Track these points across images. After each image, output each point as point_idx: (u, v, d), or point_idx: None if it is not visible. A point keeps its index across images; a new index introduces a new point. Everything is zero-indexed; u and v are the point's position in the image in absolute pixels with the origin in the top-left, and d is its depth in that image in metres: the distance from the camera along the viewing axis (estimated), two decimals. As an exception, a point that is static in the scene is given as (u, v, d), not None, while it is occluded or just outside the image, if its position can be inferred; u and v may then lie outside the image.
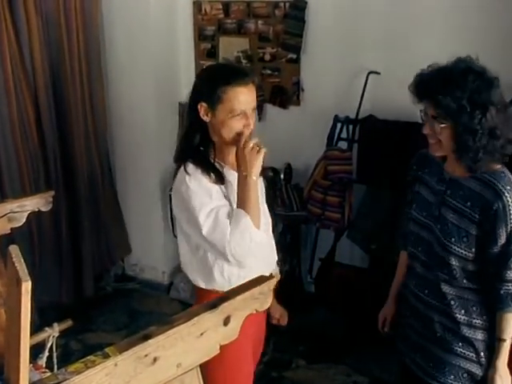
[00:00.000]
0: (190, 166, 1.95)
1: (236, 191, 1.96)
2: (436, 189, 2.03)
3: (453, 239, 1.91)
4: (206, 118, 1.94)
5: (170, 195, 4.11)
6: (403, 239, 2.26)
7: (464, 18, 3.18)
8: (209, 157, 2.00)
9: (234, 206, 1.95)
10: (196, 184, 1.92)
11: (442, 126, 1.88)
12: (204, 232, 1.90)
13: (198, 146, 2.00)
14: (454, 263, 1.92)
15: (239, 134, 1.93)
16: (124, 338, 1.33)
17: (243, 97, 1.90)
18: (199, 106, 1.93)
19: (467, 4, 3.17)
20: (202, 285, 2.07)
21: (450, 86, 1.83)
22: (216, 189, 1.96)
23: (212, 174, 1.95)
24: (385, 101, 3.47)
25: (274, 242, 2.22)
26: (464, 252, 1.90)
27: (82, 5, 3.70)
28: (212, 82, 1.92)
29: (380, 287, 3.40)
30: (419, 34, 3.31)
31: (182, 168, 1.96)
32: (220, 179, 1.97)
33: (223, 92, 1.88)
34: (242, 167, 1.92)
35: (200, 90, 1.96)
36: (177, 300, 4.18)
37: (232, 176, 1.99)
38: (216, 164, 2.01)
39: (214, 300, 1.39)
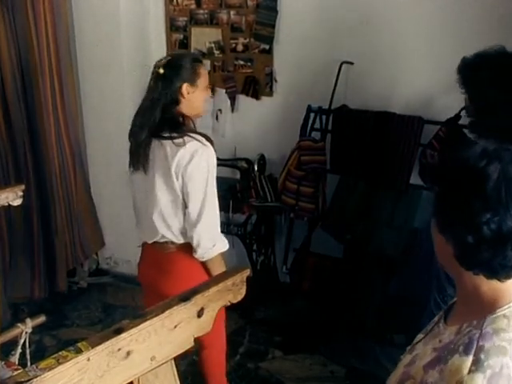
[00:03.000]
0: (199, 137, 2.29)
1: None
2: None
3: None
4: (187, 96, 2.33)
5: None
6: None
7: (438, 4, 3.19)
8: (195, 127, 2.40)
9: None
10: (213, 164, 2.31)
11: None
12: (200, 220, 2.29)
13: (183, 116, 2.36)
14: None
15: (204, 101, 2.45)
16: (99, 332, 1.31)
17: (206, 73, 2.46)
18: (184, 87, 2.32)
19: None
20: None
21: None
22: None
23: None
24: (358, 91, 3.49)
25: None
26: None
27: (49, -6, 3.63)
28: (191, 63, 2.36)
29: (355, 277, 3.44)
30: (393, 23, 3.32)
31: (191, 139, 2.27)
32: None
33: (200, 69, 2.38)
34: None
35: (180, 72, 2.33)
36: (152, 293, 4.16)
37: None
38: None
39: (187, 292, 1.38)
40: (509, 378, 1.03)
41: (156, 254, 2.50)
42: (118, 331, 1.26)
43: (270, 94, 3.80)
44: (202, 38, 3.86)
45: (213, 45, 3.83)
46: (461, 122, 2.96)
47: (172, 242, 2.41)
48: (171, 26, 3.95)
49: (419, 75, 3.31)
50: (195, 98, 2.37)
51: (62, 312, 3.90)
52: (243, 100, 3.86)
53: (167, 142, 2.27)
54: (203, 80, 2.39)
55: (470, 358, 1.06)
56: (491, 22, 3.05)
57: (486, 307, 1.13)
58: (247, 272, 1.54)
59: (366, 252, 3.36)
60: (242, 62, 3.79)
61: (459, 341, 1.11)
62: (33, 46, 3.59)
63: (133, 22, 3.85)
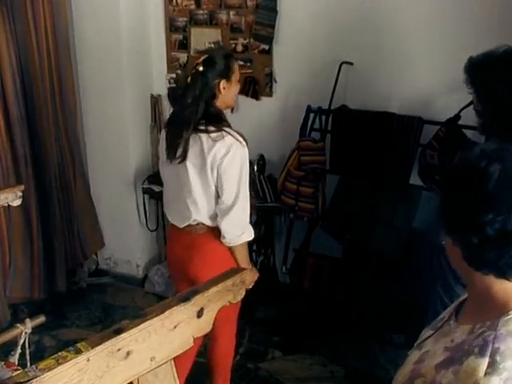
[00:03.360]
0: (234, 133, 2.42)
1: None
2: None
3: None
4: (223, 91, 2.48)
5: (144, 188, 4.14)
6: None
7: (438, 4, 3.19)
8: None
9: None
10: (246, 159, 2.44)
11: None
12: (233, 209, 2.43)
13: (220, 111, 2.50)
14: None
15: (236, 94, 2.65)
16: (99, 333, 1.31)
17: (238, 66, 2.62)
18: (221, 83, 2.46)
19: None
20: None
21: None
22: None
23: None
24: (357, 91, 3.49)
25: None
26: None
27: (49, -6, 3.63)
28: (226, 60, 2.50)
29: (354, 277, 3.43)
30: (393, 24, 3.32)
31: (227, 133, 2.40)
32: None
33: (233, 64, 2.53)
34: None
35: (218, 69, 2.47)
36: (151, 293, 4.16)
37: None
38: None
39: (187, 292, 1.38)
40: None
41: (187, 235, 2.59)
42: (118, 331, 1.26)
43: (270, 94, 3.80)
44: (202, 38, 3.86)
45: (212, 45, 3.83)
46: (460, 122, 2.96)
47: (203, 224, 2.54)
48: (171, 27, 3.95)
49: (419, 75, 3.31)
50: (230, 93, 2.53)
51: (61, 312, 3.91)
52: (243, 100, 3.86)
53: (203, 135, 2.41)
54: (236, 74, 2.55)
55: (486, 360, 1.06)
56: (491, 21, 3.05)
57: (499, 308, 1.13)
58: (247, 272, 1.54)
59: (366, 252, 3.36)
60: (241, 63, 3.78)
61: (473, 342, 1.11)
62: (32, 47, 3.60)
63: (132, 23, 3.85)
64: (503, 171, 1.06)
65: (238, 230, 2.48)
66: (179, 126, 2.45)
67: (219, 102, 2.50)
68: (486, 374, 1.04)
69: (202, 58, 2.50)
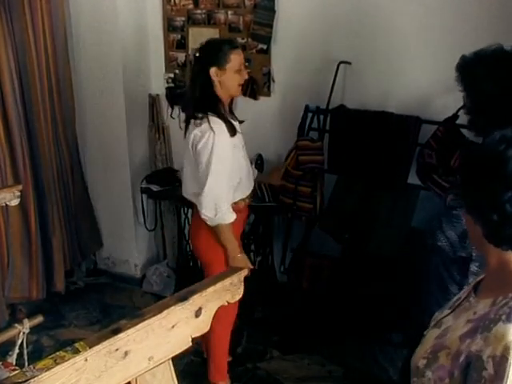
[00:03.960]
0: (215, 120, 2.60)
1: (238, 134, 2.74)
2: None
3: None
4: (216, 78, 2.62)
5: (142, 187, 4.13)
6: None
7: (436, 3, 3.19)
8: (222, 110, 2.67)
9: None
10: (220, 146, 2.59)
11: None
12: (204, 189, 2.63)
13: (215, 99, 2.65)
14: None
15: (240, 84, 2.72)
16: (97, 332, 1.31)
17: (240, 57, 2.69)
18: (212, 70, 2.60)
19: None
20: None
21: None
22: (233, 143, 2.68)
23: (230, 130, 2.64)
24: (355, 91, 3.49)
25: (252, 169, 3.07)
26: None
27: (47, -5, 3.63)
28: (222, 48, 2.63)
29: (353, 276, 3.43)
30: (391, 23, 3.32)
31: (206, 121, 2.59)
32: (234, 132, 2.67)
33: (231, 54, 2.63)
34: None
35: (210, 56, 2.62)
36: (150, 293, 4.15)
37: (233, 123, 2.72)
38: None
39: (185, 292, 1.38)
40: None
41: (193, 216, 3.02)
42: (116, 331, 1.26)
43: (268, 93, 3.80)
44: (200, 38, 3.81)
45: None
46: (458, 121, 2.96)
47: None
48: (169, 26, 3.95)
49: (417, 75, 3.31)
50: (227, 81, 2.65)
51: (59, 312, 3.91)
52: (241, 100, 3.83)
53: (192, 120, 2.66)
54: (234, 64, 2.64)
55: None
56: (490, 21, 3.04)
57: None
58: (245, 272, 1.54)
59: (364, 251, 3.36)
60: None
61: (499, 311, 1.19)
62: (30, 46, 3.59)
63: (130, 22, 3.85)
64: None
65: (209, 211, 2.66)
66: (186, 107, 2.76)
67: (220, 91, 2.67)
68: None
69: (201, 44, 2.69)
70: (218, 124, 2.61)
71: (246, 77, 2.77)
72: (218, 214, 2.67)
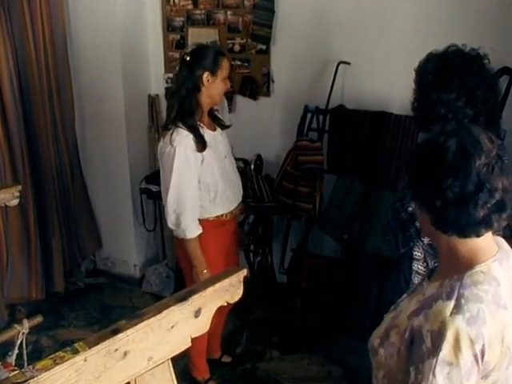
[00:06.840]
0: (182, 132, 2.57)
1: (212, 146, 2.68)
2: None
3: None
4: (206, 83, 2.61)
5: (141, 188, 4.14)
6: None
7: (436, 4, 3.19)
8: (196, 121, 2.63)
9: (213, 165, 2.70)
10: (182, 159, 2.56)
11: None
12: (167, 200, 2.63)
13: (195, 107, 2.62)
14: None
15: (223, 93, 2.75)
16: (96, 333, 1.31)
17: (228, 65, 2.70)
18: (204, 75, 2.59)
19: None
20: None
21: None
22: (203, 156, 2.63)
23: (198, 143, 2.60)
24: (355, 91, 3.49)
25: (239, 177, 2.98)
26: None
27: (46, -6, 3.62)
28: (215, 55, 2.63)
29: (352, 276, 3.43)
30: (390, 23, 3.32)
31: (171, 133, 2.57)
32: (203, 147, 2.62)
33: (221, 61, 2.63)
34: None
35: (203, 61, 2.60)
36: (149, 293, 4.15)
37: (208, 135, 2.68)
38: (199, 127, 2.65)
39: (184, 292, 1.38)
40: (483, 321, 1.22)
41: None
42: (115, 331, 1.26)
43: (267, 94, 3.80)
44: (199, 38, 3.83)
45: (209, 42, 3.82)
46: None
47: None
48: (168, 27, 3.95)
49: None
50: (214, 88, 2.64)
51: (59, 312, 3.91)
52: (240, 100, 3.86)
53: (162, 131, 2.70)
54: (223, 72, 2.64)
55: (452, 303, 1.25)
56: (490, 21, 3.05)
57: (464, 265, 1.31)
58: (244, 272, 1.54)
59: (363, 252, 3.36)
60: (239, 63, 3.79)
61: (442, 290, 1.30)
62: (29, 47, 3.59)
63: (130, 23, 3.85)
64: (459, 144, 1.25)
65: (172, 224, 2.67)
66: (169, 112, 2.68)
67: (204, 97, 2.65)
68: (451, 313, 1.23)
69: (191, 49, 2.67)
70: (183, 136, 2.58)
71: (229, 86, 2.78)
72: (182, 226, 2.64)
